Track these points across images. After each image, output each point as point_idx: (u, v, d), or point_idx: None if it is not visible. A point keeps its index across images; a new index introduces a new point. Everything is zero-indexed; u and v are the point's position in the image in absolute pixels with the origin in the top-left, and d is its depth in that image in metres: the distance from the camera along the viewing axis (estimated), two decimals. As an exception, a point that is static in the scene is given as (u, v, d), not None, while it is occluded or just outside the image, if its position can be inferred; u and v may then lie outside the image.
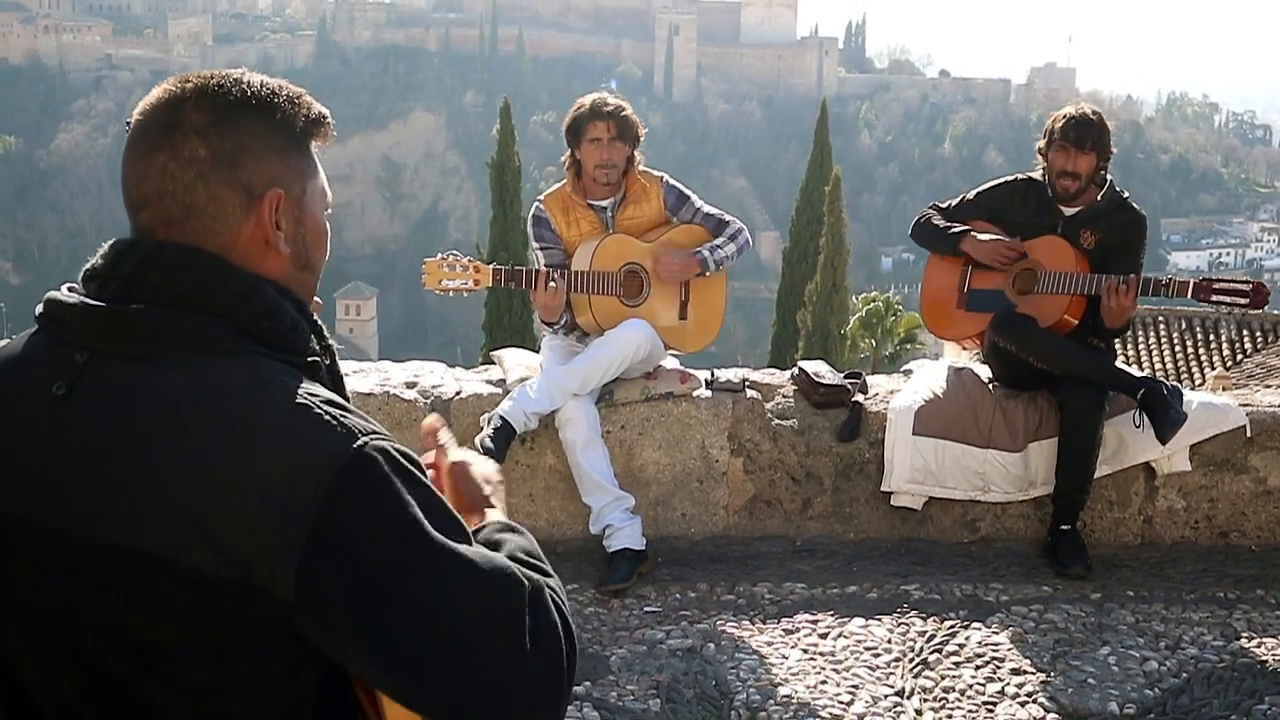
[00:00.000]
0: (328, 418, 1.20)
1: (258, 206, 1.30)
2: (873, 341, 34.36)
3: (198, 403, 1.19)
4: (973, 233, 4.42)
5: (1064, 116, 4.33)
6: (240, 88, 1.31)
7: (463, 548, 1.21)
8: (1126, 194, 4.38)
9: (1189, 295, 4.20)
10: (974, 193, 4.59)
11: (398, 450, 1.21)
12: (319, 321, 1.37)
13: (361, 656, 1.19)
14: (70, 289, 1.30)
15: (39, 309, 1.30)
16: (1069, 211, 4.35)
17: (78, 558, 1.19)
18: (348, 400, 1.29)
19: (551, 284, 4.10)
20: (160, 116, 1.30)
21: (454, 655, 1.17)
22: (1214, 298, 4.22)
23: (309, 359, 1.30)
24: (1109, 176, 4.37)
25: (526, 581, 1.24)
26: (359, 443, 1.18)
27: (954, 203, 4.60)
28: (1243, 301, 4.18)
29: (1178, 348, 19.84)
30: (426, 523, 1.19)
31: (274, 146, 1.32)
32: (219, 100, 1.29)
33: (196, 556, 1.15)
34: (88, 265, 1.30)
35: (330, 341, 1.37)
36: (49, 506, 1.20)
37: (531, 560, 1.34)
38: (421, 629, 1.17)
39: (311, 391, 1.23)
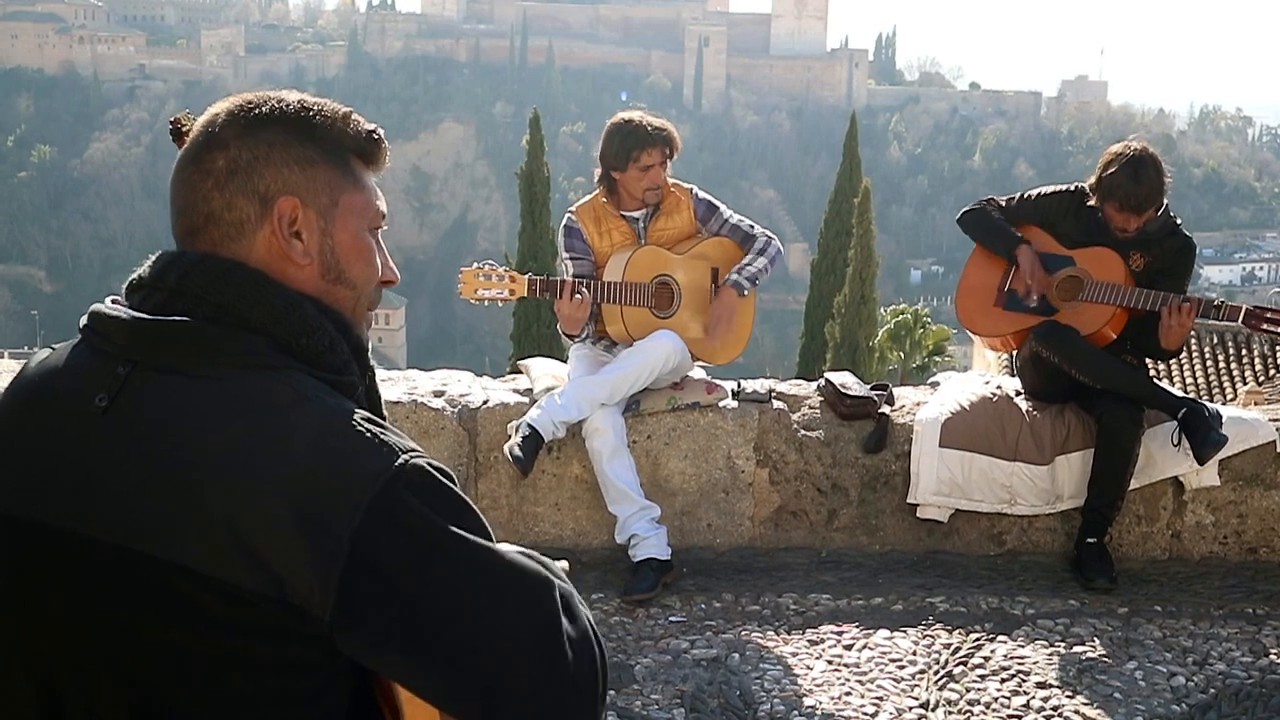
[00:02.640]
0: (367, 434, 1.21)
1: (271, 215, 1.31)
2: (901, 354, 34.28)
3: (236, 416, 1.20)
4: (1030, 247, 4.35)
5: (1122, 172, 4.08)
6: (271, 103, 1.33)
7: (499, 550, 1.23)
8: (1180, 220, 4.32)
9: (1239, 321, 4.15)
10: (1034, 194, 4.50)
11: (434, 466, 1.23)
12: (363, 343, 1.37)
13: (407, 670, 1.20)
14: (114, 302, 1.31)
15: (82, 321, 1.32)
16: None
17: (114, 568, 1.19)
18: (384, 420, 1.30)
19: (578, 295, 4.12)
20: (199, 135, 1.33)
21: (496, 660, 1.20)
22: (1265, 327, 4.17)
23: (345, 378, 1.31)
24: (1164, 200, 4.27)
25: (558, 586, 1.27)
26: (399, 460, 1.19)
27: (1013, 200, 4.53)
28: None
29: (1209, 362, 19.69)
30: (466, 534, 1.21)
31: (298, 158, 1.32)
32: (247, 114, 1.32)
33: (231, 570, 1.15)
34: (133, 276, 1.32)
35: (371, 363, 1.38)
36: (88, 517, 1.21)
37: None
38: (465, 639, 1.19)
39: (349, 408, 1.25)
